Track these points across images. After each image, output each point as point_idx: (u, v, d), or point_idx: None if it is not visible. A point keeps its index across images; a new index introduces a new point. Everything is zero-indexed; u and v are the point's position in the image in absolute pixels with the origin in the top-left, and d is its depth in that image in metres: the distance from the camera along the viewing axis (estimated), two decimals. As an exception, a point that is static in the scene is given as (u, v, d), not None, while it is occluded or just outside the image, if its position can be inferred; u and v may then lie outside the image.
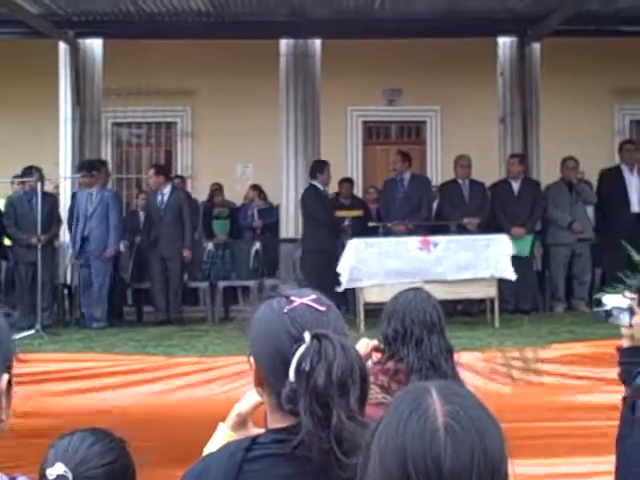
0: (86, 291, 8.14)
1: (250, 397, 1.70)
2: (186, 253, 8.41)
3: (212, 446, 1.65)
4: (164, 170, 9.12)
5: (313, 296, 1.52)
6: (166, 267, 8.37)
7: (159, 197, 8.58)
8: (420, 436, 1.04)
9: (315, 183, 8.83)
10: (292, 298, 1.50)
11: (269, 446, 1.43)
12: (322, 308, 1.50)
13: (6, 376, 1.12)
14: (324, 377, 1.37)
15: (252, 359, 1.52)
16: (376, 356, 2.70)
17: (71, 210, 8.47)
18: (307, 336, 1.42)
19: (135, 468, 1.90)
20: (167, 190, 8.59)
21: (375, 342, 2.73)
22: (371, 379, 2.56)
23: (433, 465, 1.02)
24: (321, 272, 8.00)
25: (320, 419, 1.36)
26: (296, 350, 1.40)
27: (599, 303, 3.09)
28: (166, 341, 6.71)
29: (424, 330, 2.67)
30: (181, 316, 8.36)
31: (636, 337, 2.84)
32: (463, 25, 10.05)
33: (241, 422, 1.70)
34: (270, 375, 1.47)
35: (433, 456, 1.03)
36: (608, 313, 2.91)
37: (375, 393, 2.51)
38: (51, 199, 8.62)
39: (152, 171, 8.81)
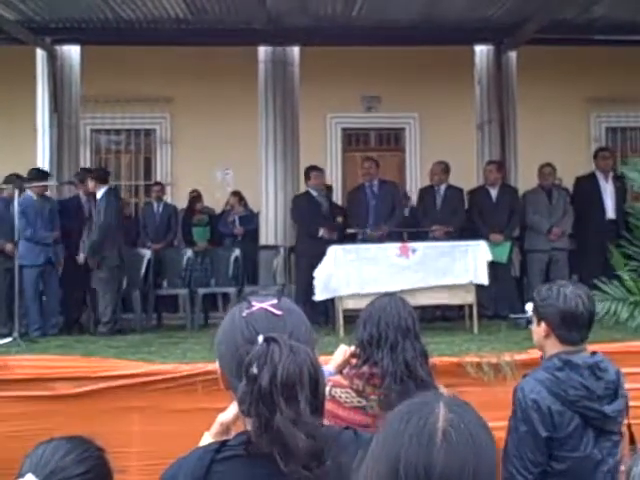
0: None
1: (234, 406, 1.72)
2: (80, 259, 8.31)
3: None
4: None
5: (274, 301, 1.55)
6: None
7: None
8: (418, 437, 1.06)
9: (308, 189, 8.93)
10: (252, 303, 1.54)
11: (237, 448, 1.45)
12: (279, 312, 1.52)
13: None
14: (268, 380, 1.38)
15: (217, 363, 1.55)
16: (354, 361, 2.73)
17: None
18: (260, 339, 1.44)
19: (112, 477, 1.88)
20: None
21: (353, 348, 2.74)
22: (346, 383, 2.58)
23: (424, 468, 1.04)
24: (307, 276, 8.06)
25: (267, 421, 1.38)
26: (248, 353, 1.43)
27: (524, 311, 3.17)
28: (145, 348, 6.68)
29: (398, 334, 2.69)
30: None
31: (535, 342, 2.90)
32: (441, 33, 10.13)
33: (224, 431, 1.71)
34: (233, 378, 1.50)
35: (426, 458, 1.04)
36: (529, 320, 2.98)
37: (351, 397, 2.53)
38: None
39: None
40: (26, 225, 7.95)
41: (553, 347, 2.78)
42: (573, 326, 2.74)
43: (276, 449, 1.37)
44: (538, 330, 2.83)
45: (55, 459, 1.78)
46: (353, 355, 2.74)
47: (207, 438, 1.71)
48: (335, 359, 2.73)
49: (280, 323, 1.51)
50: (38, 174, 8.50)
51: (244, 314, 1.52)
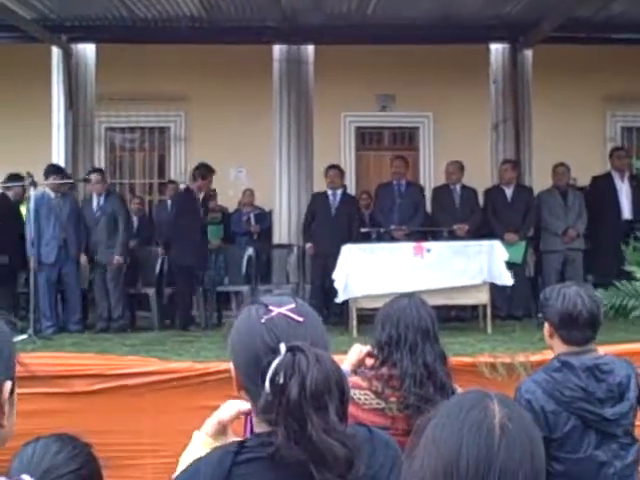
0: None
1: (230, 405, 1.71)
2: (116, 260, 8.34)
3: (192, 454, 1.65)
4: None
5: (292, 305, 1.52)
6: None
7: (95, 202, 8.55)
8: (477, 430, 1.11)
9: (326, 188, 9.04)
10: (270, 307, 1.51)
11: (257, 449, 1.43)
12: (299, 319, 1.49)
13: (9, 383, 1.13)
14: (297, 391, 1.36)
15: (232, 365, 1.53)
16: (369, 362, 2.69)
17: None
18: (282, 348, 1.42)
19: (102, 472, 1.90)
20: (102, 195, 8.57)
21: (368, 348, 2.71)
22: (365, 385, 2.56)
23: (486, 457, 1.09)
24: (324, 275, 8.14)
25: (295, 432, 1.36)
26: (271, 362, 1.41)
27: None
28: (159, 346, 6.70)
29: (418, 336, 2.66)
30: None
31: (546, 343, 2.90)
32: (456, 32, 10.09)
33: (221, 430, 1.71)
34: (248, 382, 1.48)
35: (487, 449, 1.09)
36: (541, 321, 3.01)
37: (370, 399, 2.51)
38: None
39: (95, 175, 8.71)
40: (38, 222, 7.97)
41: (558, 347, 2.80)
42: (573, 326, 2.73)
43: (310, 458, 1.35)
44: (545, 330, 2.85)
45: (47, 458, 1.79)
46: (369, 355, 2.70)
47: (202, 436, 1.70)
48: (349, 358, 2.69)
49: (301, 329, 1.48)
50: (55, 170, 8.51)
51: (263, 320, 1.49)
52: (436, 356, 2.67)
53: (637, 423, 2.84)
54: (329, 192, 8.91)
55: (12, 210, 8.48)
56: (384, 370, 2.64)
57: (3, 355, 1.13)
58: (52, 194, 8.22)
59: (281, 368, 1.39)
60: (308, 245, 8.85)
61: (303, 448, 1.36)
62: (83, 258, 8.36)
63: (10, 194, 8.48)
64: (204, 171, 8.56)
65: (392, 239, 8.38)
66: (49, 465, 1.77)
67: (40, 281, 7.83)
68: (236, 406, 1.68)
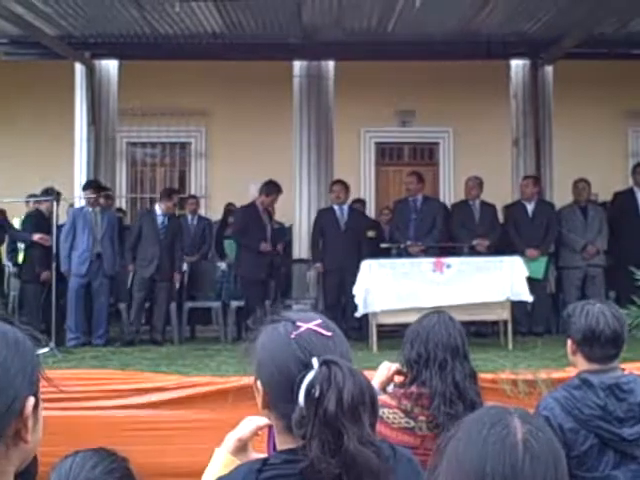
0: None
1: (249, 422, 1.72)
2: (177, 276, 8.53)
3: (213, 472, 1.66)
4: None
5: (319, 321, 1.53)
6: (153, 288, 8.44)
7: (160, 219, 8.57)
8: (501, 446, 1.11)
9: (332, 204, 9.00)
10: (298, 323, 1.51)
11: (281, 467, 1.43)
12: (328, 333, 1.51)
13: (32, 399, 1.14)
14: (334, 403, 1.37)
15: (259, 383, 1.53)
16: (398, 379, 2.64)
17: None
18: (315, 362, 1.42)
19: None
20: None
21: (397, 365, 2.66)
22: (394, 403, 2.52)
23: (511, 474, 1.10)
24: (340, 291, 8.16)
25: (330, 444, 1.37)
26: (304, 376, 1.41)
27: None
28: (179, 360, 6.72)
29: (448, 354, 2.61)
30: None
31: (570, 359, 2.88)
32: (476, 47, 10.10)
33: (242, 447, 1.71)
34: (278, 399, 1.48)
35: (511, 466, 1.11)
36: None
37: (399, 418, 2.46)
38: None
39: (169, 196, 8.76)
40: (69, 235, 8.12)
41: (581, 364, 2.77)
42: (595, 344, 2.71)
43: (345, 470, 1.36)
44: (568, 347, 2.83)
45: (85, 471, 1.78)
46: (398, 373, 2.65)
47: (223, 454, 1.70)
48: (378, 376, 2.65)
49: (330, 344, 1.50)
50: (89, 185, 8.68)
51: (293, 335, 1.50)
52: (466, 374, 2.61)
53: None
54: (335, 207, 8.89)
55: (46, 224, 8.60)
56: (413, 388, 2.59)
57: (26, 371, 1.14)
58: (90, 208, 8.36)
59: (317, 381, 1.40)
60: (317, 265, 8.83)
61: (338, 461, 1.36)
62: (177, 277, 8.54)
63: (43, 208, 8.59)
64: (270, 188, 8.78)
65: (410, 255, 8.36)
66: (86, 479, 1.77)
67: (69, 294, 7.91)
68: (254, 423, 1.69)
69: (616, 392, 2.67)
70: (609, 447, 2.65)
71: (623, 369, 2.79)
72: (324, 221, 8.88)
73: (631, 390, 2.68)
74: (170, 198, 8.63)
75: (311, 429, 1.37)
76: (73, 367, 6.16)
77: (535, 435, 1.13)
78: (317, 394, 1.39)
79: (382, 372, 2.66)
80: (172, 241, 8.50)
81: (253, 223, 8.64)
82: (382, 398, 2.53)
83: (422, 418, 2.49)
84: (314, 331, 1.51)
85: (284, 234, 10.32)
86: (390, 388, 2.61)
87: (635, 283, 6.12)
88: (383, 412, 2.47)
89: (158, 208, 8.62)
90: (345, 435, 1.36)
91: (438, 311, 2.81)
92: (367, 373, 2.82)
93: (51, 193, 8.20)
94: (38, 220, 8.51)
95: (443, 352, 2.60)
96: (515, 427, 1.13)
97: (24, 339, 1.17)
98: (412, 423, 2.47)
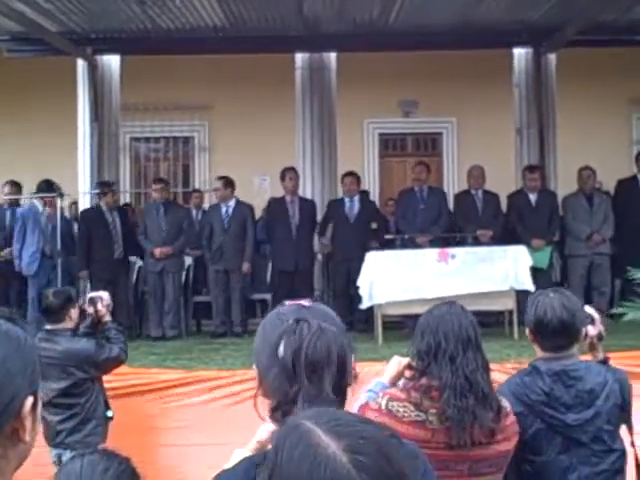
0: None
1: (267, 426, 1.72)
2: (245, 267, 8.56)
3: None
4: (232, 183, 9.10)
5: (306, 301, 1.61)
6: (228, 279, 8.51)
7: (224, 209, 8.72)
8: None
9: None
10: (285, 302, 1.62)
11: None
12: (307, 304, 1.59)
13: (31, 398, 1.13)
14: (291, 354, 1.42)
15: (255, 368, 1.56)
16: (409, 373, 2.57)
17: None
18: (290, 321, 1.50)
19: None
20: (232, 203, 8.78)
21: (408, 360, 2.59)
22: (404, 396, 2.50)
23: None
24: (349, 282, 8.17)
25: (287, 395, 1.41)
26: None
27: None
28: (186, 354, 6.74)
29: (459, 345, 2.51)
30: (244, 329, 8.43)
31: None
32: (478, 37, 10.06)
33: (262, 449, 1.71)
34: (268, 375, 1.51)
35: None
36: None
37: (409, 411, 2.43)
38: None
39: (220, 183, 8.88)
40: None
41: (538, 352, 2.84)
42: (543, 333, 2.77)
43: None
44: (527, 335, 2.90)
45: (97, 474, 1.77)
46: (408, 367, 2.58)
47: (239, 455, 1.71)
48: (389, 371, 2.60)
49: (306, 311, 1.56)
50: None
51: (278, 311, 1.60)
52: (478, 366, 2.51)
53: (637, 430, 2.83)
54: (346, 199, 8.94)
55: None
56: (423, 381, 2.51)
57: (26, 370, 1.13)
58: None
59: (283, 335, 1.45)
60: (324, 239, 8.90)
61: (286, 410, 1.41)
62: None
63: (102, 203, 8.77)
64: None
65: (415, 246, 8.36)
66: None
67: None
68: (272, 426, 1.69)
69: (563, 378, 2.72)
70: (557, 432, 2.71)
71: (577, 357, 2.82)
72: (334, 212, 8.93)
73: (580, 377, 2.73)
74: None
75: (277, 384, 1.39)
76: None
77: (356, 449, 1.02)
78: (282, 347, 1.43)
79: (393, 367, 2.61)
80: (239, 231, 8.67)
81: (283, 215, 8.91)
82: (391, 391, 2.49)
83: (433, 411, 2.41)
84: (297, 304, 1.59)
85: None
86: (401, 383, 2.56)
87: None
88: (393, 405, 2.41)
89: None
90: (300, 386, 1.39)
91: (450, 302, 2.71)
92: (372, 365, 2.82)
93: (104, 186, 8.33)
94: (96, 214, 8.71)
95: (454, 343, 2.51)
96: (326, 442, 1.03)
97: (25, 338, 1.16)
98: (423, 416, 2.42)
